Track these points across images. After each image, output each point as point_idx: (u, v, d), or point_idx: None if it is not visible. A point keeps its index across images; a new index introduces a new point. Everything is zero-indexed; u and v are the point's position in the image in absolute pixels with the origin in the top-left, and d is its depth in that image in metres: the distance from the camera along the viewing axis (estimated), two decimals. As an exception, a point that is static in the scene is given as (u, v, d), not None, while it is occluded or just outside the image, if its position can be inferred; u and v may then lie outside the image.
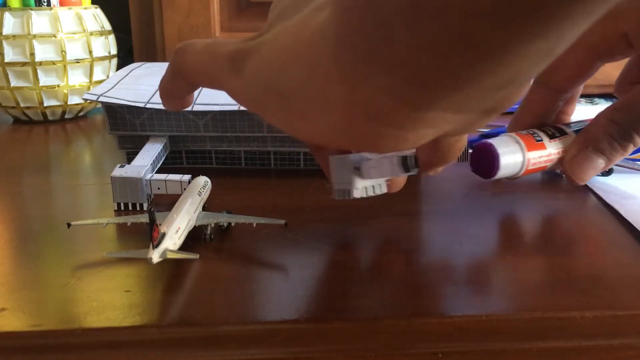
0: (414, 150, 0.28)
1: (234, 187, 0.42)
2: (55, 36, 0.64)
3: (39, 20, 0.63)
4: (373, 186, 0.31)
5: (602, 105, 0.71)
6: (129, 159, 0.45)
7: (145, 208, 0.38)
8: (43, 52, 0.63)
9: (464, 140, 0.27)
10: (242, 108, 0.42)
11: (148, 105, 0.43)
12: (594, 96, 0.76)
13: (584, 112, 0.45)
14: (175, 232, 0.29)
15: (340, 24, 0.17)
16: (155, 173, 0.40)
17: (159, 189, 0.38)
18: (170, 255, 0.28)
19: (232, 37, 0.78)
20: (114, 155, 0.51)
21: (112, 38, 0.70)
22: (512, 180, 0.40)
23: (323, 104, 0.19)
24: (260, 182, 0.44)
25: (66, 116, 0.68)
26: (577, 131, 0.39)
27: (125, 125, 0.45)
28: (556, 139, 0.38)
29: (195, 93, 0.35)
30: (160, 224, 0.29)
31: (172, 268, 0.29)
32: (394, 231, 0.34)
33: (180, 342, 0.25)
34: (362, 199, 0.31)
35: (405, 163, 0.28)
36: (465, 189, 0.42)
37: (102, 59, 0.68)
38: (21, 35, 0.63)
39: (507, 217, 0.38)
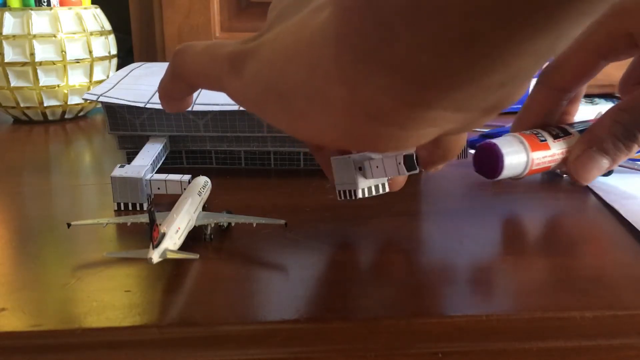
0: (414, 149, 0.28)
1: (234, 187, 0.42)
2: (55, 36, 0.64)
3: (39, 20, 0.63)
4: (376, 186, 0.32)
5: (602, 105, 0.71)
6: (129, 159, 0.45)
7: (145, 208, 0.38)
8: (43, 52, 0.63)
9: (463, 137, 0.27)
10: (242, 108, 0.42)
11: (148, 105, 0.43)
12: (594, 96, 0.76)
13: (584, 112, 0.45)
14: (175, 232, 0.29)
15: (340, 24, 0.17)
16: (155, 173, 0.40)
17: (159, 189, 0.38)
18: (170, 255, 0.28)
19: (232, 37, 0.78)
20: (114, 155, 0.51)
21: (112, 38, 0.70)
22: (515, 181, 0.40)
23: (323, 104, 0.19)
24: (260, 182, 0.44)
25: (66, 116, 0.68)
26: (581, 131, 0.39)
27: (125, 125, 0.45)
28: (560, 139, 0.38)
29: (195, 93, 0.35)
30: (160, 224, 0.29)
31: (172, 268, 0.29)
32: (394, 231, 0.34)
33: (180, 342, 0.25)
34: (364, 198, 0.31)
35: (407, 162, 0.28)
36: (465, 189, 0.42)
37: (102, 59, 0.68)
38: (21, 35, 0.63)
39: (507, 217, 0.38)
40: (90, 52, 0.66)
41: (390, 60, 0.16)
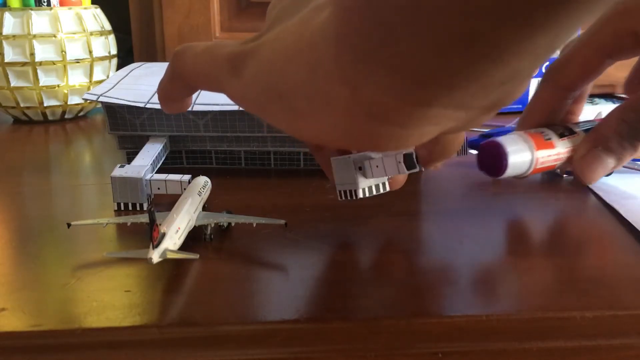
0: (413, 148, 0.28)
1: (234, 187, 0.42)
2: (55, 36, 0.64)
3: (39, 20, 0.63)
4: (377, 185, 0.32)
5: (602, 105, 0.71)
6: (129, 159, 0.45)
7: (145, 208, 0.38)
8: (43, 52, 0.63)
9: (462, 134, 0.27)
10: (242, 108, 0.42)
11: (148, 105, 0.43)
12: (594, 96, 0.76)
13: (584, 111, 0.44)
14: (175, 232, 0.29)
15: (340, 24, 0.17)
16: (155, 173, 0.40)
17: (159, 189, 0.38)
18: (170, 255, 0.28)
19: (232, 37, 0.78)
20: (114, 155, 0.51)
21: (112, 38, 0.70)
22: (518, 180, 0.40)
23: (324, 103, 0.19)
24: (260, 182, 0.44)
25: (66, 116, 0.68)
26: (586, 131, 0.38)
27: (125, 125, 0.45)
28: (565, 138, 0.38)
29: (195, 93, 0.35)
30: (160, 224, 0.29)
31: (172, 268, 0.29)
32: (394, 231, 0.34)
33: (180, 342, 0.25)
34: (364, 198, 0.31)
35: (407, 161, 0.28)
36: (465, 189, 0.42)
37: (102, 59, 0.68)
38: (21, 35, 0.63)
39: (507, 217, 0.38)
40: (90, 52, 0.66)
41: (391, 60, 0.16)
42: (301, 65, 0.19)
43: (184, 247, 0.30)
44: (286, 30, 0.21)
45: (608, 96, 0.76)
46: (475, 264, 0.30)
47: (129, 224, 0.34)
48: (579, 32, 0.61)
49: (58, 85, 0.65)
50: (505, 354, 0.25)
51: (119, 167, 0.38)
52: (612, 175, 0.42)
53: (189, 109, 0.37)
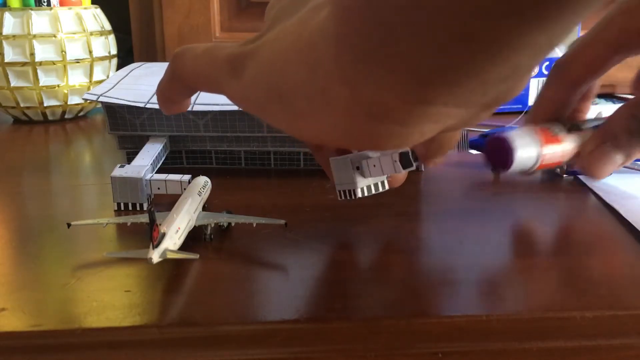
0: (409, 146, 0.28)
1: (234, 187, 0.42)
2: (55, 36, 0.64)
3: (39, 20, 0.63)
4: (375, 184, 0.32)
5: (602, 105, 0.71)
6: (129, 159, 0.45)
7: (145, 208, 0.38)
8: (43, 52, 0.63)
9: (458, 131, 0.27)
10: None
11: (148, 105, 0.43)
12: (594, 96, 0.76)
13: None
14: (175, 232, 0.29)
15: (339, 24, 0.17)
16: (155, 173, 0.40)
17: (159, 189, 0.38)
18: (170, 255, 0.28)
19: (232, 37, 0.78)
20: (114, 155, 0.51)
21: (112, 38, 0.70)
22: (525, 176, 0.39)
23: (324, 103, 0.19)
24: (260, 182, 0.44)
25: (66, 116, 0.68)
26: (594, 128, 0.38)
27: (125, 125, 0.45)
28: (573, 133, 0.37)
29: (195, 93, 0.35)
30: (160, 224, 0.29)
31: (172, 268, 0.29)
32: (394, 231, 0.34)
33: (180, 342, 0.25)
34: (364, 198, 0.31)
35: (403, 159, 0.28)
36: (465, 189, 0.42)
37: (102, 59, 0.68)
38: (21, 35, 0.63)
39: (507, 217, 0.38)
40: (90, 52, 0.66)
41: (391, 60, 0.16)
42: (301, 65, 0.19)
43: (184, 247, 0.30)
44: (285, 31, 0.21)
45: (608, 96, 0.76)
46: (475, 264, 0.30)
47: (129, 224, 0.34)
48: (579, 29, 0.61)
49: (58, 85, 0.65)
50: (505, 354, 0.25)
51: (119, 167, 0.38)
52: (612, 175, 0.42)
53: (189, 109, 0.37)
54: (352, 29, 0.16)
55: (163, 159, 0.44)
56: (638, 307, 0.26)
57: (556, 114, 0.39)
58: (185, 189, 0.36)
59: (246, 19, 0.79)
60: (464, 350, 0.25)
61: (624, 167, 0.43)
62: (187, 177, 0.37)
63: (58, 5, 0.65)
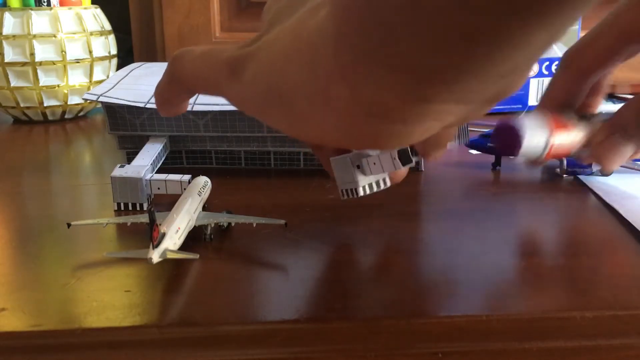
0: None
1: (234, 187, 0.42)
2: (55, 36, 0.64)
3: (39, 20, 0.63)
4: (377, 181, 0.32)
5: (603, 105, 0.71)
6: (129, 159, 0.45)
7: (145, 208, 0.38)
8: (43, 52, 0.63)
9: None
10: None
11: (148, 105, 0.43)
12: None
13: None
14: (175, 232, 0.29)
15: (339, 24, 0.17)
16: (155, 173, 0.40)
17: (159, 189, 0.38)
18: (170, 255, 0.28)
19: (232, 37, 0.78)
20: (114, 155, 0.51)
21: (112, 38, 0.70)
22: (535, 165, 0.39)
23: (324, 103, 0.19)
24: (260, 182, 0.44)
25: (66, 116, 0.68)
26: (604, 121, 0.38)
27: (125, 125, 0.45)
28: (583, 124, 0.37)
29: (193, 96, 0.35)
30: (160, 224, 0.29)
31: (172, 268, 0.29)
32: (394, 231, 0.34)
33: (180, 342, 0.25)
34: (366, 196, 0.31)
35: (401, 156, 0.28)
36: (465, 189, 0.42)
37: (102, 59, 0.68)
38: (21, 35, 0.63)
39: (507, 217, 0.38)
40: (90, 52, 0.66)
41: (391, 60, 0.16)
42: (301, 65, 0.19)
43: (184, 247, 0.30)
44: (284, 31, 0.21)
45: (608, 96, 0.76)
46: (475, 264, 0.30)
47: (129, 224, 0.34)
48: (579, 30, 0.61)
49: (58, 85, 0.65)
50: (505, 354, 0.25)
51: (119, 167, 0.38)
52: (612, 175, 0.42)
53: (189, 108, 0.37)
54: (352, 29, 0.16)
55: (163, 159, 0.44)
56: (638, 307, 0.26)
57: (566, 104, 0.39)
58: (185, 189, 0.36)
59: (246, 19, 0.79)
60: (464, 350, 0.25)
61: (625, 167, 0.43)
62: (187, 177, 0.37)
63: (58, 5, 0.65)
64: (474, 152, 0.47)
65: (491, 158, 0.45)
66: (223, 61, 0.23)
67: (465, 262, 0.30)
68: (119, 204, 0.38)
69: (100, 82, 0.66)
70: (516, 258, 0.31)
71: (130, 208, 0.38)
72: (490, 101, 0.18)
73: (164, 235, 0.28)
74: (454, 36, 0.14)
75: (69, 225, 0.33)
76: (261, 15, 0.24)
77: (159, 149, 0.43)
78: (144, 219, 0.33)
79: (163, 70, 0.28)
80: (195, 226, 0.32)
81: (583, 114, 0.38)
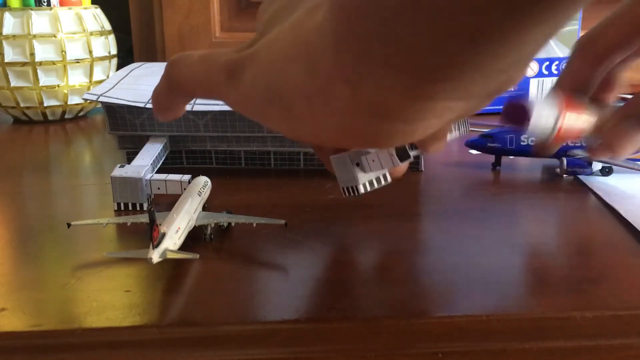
0: None
1: (234, 187, 0.42)
2: (55, 36, 0.64)
3: (39, 20, 0.63)
4: (377, 178, 0.32)
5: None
6: (129, 159, 0.45)
7: (145, 208, 0.38)
8: (43, 52, 0.63)
9: None
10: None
11: (148, 105, 0.43)
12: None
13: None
14: (175, 232, 0.29)
15: (338, 24, 0.17)
16: (155, 173, 0.40)
17: (159, 189, 0.38)
18: (170, 255, 0.28)
19: (232, 37, 0.78)
20: (114, 155, 0.51)
21: (112, 38, 0.70)
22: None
23: (325, 103, 0.19)
24: (260, 182, 0.44)
25: (66, 116, 0.68)
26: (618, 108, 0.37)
27: (125, 125, 0.45)
28: (595, 108, 0.37)
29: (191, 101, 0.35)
30: (160, 224, 0.29)
31: (172, 268, 0.29)
32: (394, 231, 0.34)
33: (180, 342, 0.25)
34: (365, 197, 0.31)
35: (399, 152, 0.28)
36: (465, 189, 0.42)
37: (102, 59, 0.68)
38: (21, 35, 0.63)
39: (507, 217, 0.38)
40: (90, 52, 0.66)
41: (391, 59, 0.16)
42: (301, 66, 0.19)
43: (184, 247, 0.30)
44: (283, 32, 0.21)
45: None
46: (475, 264, 0.30)
47: (129, 224, 0.34)
48: (579, 30, 0.61)
49: (58, 85, 0.65)
50: (505, 354, 0.25)
51: (119, 167, 0.38)
52: (612, 175, 0.42)
53: (189, 108, 0.37)
54: (351, 29, 0.16)
55: (163, 159, 0.44)
56: (638, 307, 0.26)
57: (579, 90, 0.39)
58: (185, 189, 0.36)
59: (246, 19, 0.79)
60: (464, 350, 0.25)
61: (625, 167, 0.43)
62: (187, 177, 0.37)
63: (58, 5, 0.65)
64: (474, 152, 0.47)
65: (491, 158, 0.45)
66: (221, 64, 0.23)
67: (465, 262, 0.30)
68: (119, 204, 0.38)
69: (100, 82, 0.66)
70: (516, 258, 0.31)
71: (130, 208, 0.38)
72: (490, 95, 0.19)
73: (164, 235, 0.28)
74: (454, 35, 0.14)
75: (69, 225, 0.33)
76: (256, 17, 0.24)
77: (159, 149, 0.43)
78: (144, 219, 0.33)
79: (163, 71, 0.28)
80: (195, 226, 0.32)
81: (596, 99, 0.38)
